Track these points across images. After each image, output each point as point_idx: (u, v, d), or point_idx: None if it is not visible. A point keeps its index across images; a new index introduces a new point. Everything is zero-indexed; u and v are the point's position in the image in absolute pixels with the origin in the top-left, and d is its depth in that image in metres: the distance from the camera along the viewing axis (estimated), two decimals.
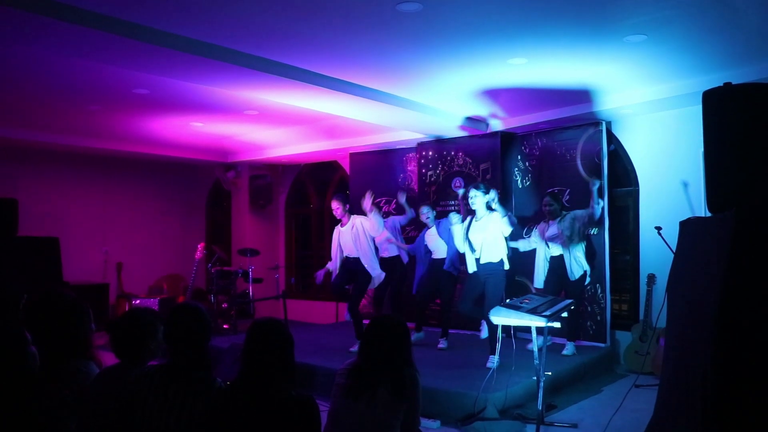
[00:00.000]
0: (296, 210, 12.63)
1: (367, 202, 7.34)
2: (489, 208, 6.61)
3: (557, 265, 7.41)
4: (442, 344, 7.48)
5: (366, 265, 7.43)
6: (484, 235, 6.59)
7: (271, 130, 9.84)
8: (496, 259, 6.59)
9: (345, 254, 7.56)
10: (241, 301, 10.17)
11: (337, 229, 7.72)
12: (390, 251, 8.65)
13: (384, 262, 8.20)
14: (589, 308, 7.89)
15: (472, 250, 6.66)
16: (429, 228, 7.92)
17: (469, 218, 6.79)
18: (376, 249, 7.74)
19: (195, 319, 2.99)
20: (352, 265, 7.49)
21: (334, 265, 7.62)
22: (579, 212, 7.41)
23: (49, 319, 3.27)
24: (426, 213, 7.91)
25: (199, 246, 9.86)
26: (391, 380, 3.19)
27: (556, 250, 7.43)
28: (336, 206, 7.54)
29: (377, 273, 7.47)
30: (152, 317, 3.23)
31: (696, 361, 3.00)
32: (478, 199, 6.58)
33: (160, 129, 9.45)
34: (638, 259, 7.91)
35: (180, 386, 2.86)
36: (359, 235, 7.43)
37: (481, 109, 8.03)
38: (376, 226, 7.41)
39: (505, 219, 6.49)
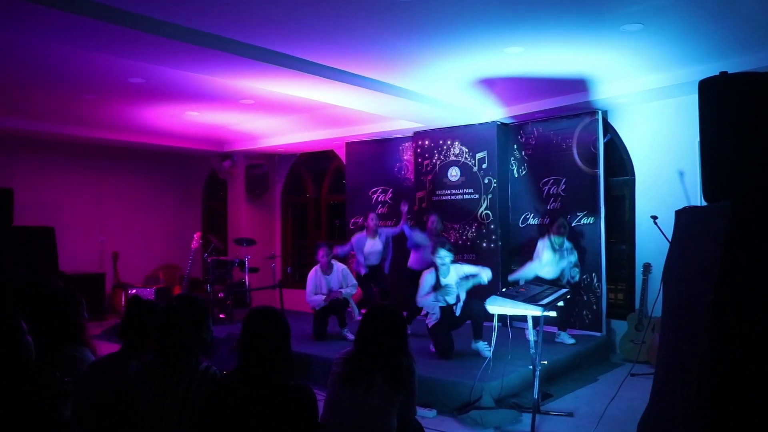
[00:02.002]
0: (292, 199, 12.62)
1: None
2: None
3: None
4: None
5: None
6: (456, 285, 6.71)
7: (267, 120, 9.80)
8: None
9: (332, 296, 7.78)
10: (237, 290, 10.17)
11: (317, 271, 7.86)
12: (370, 261, 8.62)
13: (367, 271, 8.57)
14: (584, 297, 7.91)
15: (441, 300, 6.69)
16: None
17: (433, 272, 6.78)
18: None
19: (189, 308, 2.99)
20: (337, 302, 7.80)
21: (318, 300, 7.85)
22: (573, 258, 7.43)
23: (41, 309, 3.29)
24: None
25: (195, 235, 9.83)
26: (388, 369, 3.20)
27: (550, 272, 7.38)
28: (324, 253, 7.78)
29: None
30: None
31: (691, 350, 3.01)
32: (447, 259, 6.67)
33: (156, 118, 9.40)
34: (634, 248, 7.93)
35: (176, 376, 2.86)
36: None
37: (477, 98, 8.01)
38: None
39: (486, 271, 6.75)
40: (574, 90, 7.53)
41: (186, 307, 2.97)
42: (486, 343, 6.58)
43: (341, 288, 7.78)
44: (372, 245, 8.52)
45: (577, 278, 7.44)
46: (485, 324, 6.72)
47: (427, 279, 6.74)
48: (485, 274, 6.74)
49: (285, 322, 2.90)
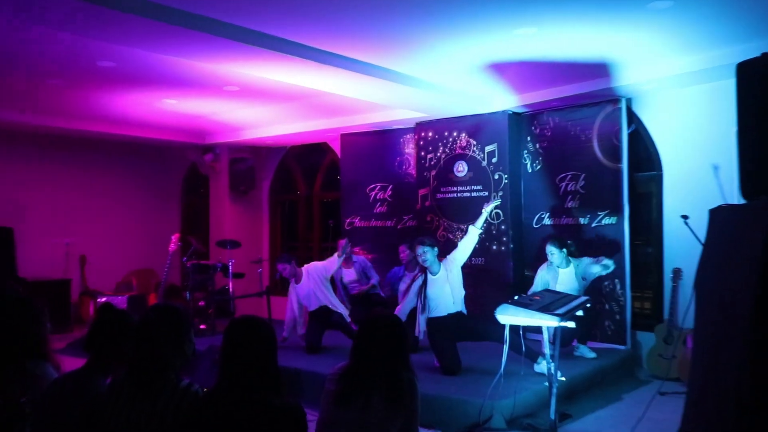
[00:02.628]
0: (282, 197, 12.60)
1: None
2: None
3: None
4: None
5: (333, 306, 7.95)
6: (450, 285, 6.81)
7: (254, 109, 9.78)
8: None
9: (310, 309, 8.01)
10: (220, 298, 10.15)
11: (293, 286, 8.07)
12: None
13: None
14: (607, 306, 7.89)
15: (429, 308, 6.79)
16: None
17: (421, 276, 6.91)
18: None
19: (169, 320, 2.98)
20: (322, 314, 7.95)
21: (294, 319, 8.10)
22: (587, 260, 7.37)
23: None
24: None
25: (173, 237, 9.80)
26: (387, 385, 3.17)
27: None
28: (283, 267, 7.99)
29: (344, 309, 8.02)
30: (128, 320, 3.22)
31: (728, 366, 2.98)
32: (428, 254, 6.79)
33: (128, 106, 9.38)
34: (662, 251, 7.91)
35: (152, 394, 2.85)
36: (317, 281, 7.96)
37: (486, 84, 7.99)
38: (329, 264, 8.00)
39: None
40: (594, 75, 7.50)
41: (165, 318, 2.96)
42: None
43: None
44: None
45: (611, 267, 7.30)
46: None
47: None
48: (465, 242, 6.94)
49: (272, 334, 2.89)
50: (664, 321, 7.54)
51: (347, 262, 7.94)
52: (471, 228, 6.99)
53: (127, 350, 3.13)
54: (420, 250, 6.81)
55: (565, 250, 7.27)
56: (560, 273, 7.28)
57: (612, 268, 7.19)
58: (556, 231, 8.25)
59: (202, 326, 9.61)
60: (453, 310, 6.78)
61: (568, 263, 7.29)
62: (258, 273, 10.84)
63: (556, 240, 7.34)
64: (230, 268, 10.12)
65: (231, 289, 10.27)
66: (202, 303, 9.86)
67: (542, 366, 7.20)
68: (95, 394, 3.00)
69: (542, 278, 7.29)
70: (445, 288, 6.82)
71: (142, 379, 2.88)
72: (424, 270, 6.89)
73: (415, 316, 6.98)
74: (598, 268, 7.18)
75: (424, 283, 6.84)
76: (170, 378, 2.89)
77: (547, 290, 6.46)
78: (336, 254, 7.90)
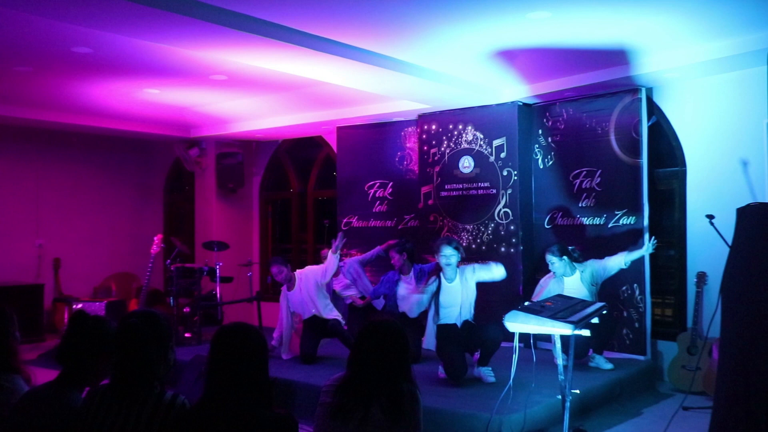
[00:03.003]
0: (273, 195, 12.60)
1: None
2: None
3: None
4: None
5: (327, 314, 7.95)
6: (462, 296, 6.84)
7: (243, 99, 9.78)
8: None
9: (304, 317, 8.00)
10: (206, 304, 10.14)
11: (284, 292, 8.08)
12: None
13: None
14: (625, 313, 7.87)
15: (440, 315, 6.85)
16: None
17: (435, 280, 6.92)
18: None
19: (152, 326, 2.99)
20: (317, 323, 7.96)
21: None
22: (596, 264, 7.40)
23: None
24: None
25: (155, 238, 9.81)
26: (387, 397, 3.18)
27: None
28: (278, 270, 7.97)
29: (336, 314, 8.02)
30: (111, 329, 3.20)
31: (759, 379, 2.96)
32: (454, 258, 6.80)
33: (107, 97, 9.37)
34: (685, 254, 7.91)
35: (135, 407, 2.86)
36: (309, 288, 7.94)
37: (494, 73, 7.97)
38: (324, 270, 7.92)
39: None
40: (612, 63, 7.49)
41: (147, 324, 2.97)
42: (491, 368, 6.77)
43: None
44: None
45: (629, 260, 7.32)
46: (503, 344, 6.70)
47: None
48: (498, 271, 6.90)
49: (263, 342, 2.90)
50: (688, 329, 7.52)
51: (291, 285, 7.87)
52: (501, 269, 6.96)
53: (105, 360, 3.11)
54: (448, 251, 6.74)
55: (566, 257, 7.26)
56: (566, 282, 7.27)
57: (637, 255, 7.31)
58: (569, 232, 8.23)
59: (187, 335, 9.60)
60: (461, 320, 6.79)
61: (573, 270, 7.29)
62: (247, 277, 10.83)
63: (554, 248, 7.33)
64: (217, 271, 10.09)
65: (218, 295, 10.25)
66: (187, 309, 9.85)
67: (597, 360, 7.33)
68: (69, 408, 2.99)
69: (549, 292, 7.19)
70: (458, 298, 6.82)
71: (125, 391, 2.89)
72: (437, 273, 6.89)
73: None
74: (619, 259, 7.23)
75: (438, 289, 6.84)
76: (155, 389, 2.91)
77: (560, 296, 6.44)
78: (330, 252, 7.76)
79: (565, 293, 7.08)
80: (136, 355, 2.91)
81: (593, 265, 7.33)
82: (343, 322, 8.02)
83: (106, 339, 3.13)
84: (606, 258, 7.37)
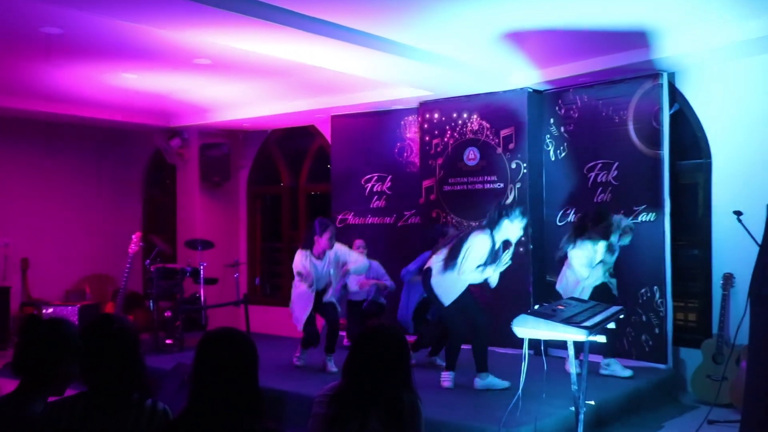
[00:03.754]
0: (262, 189, 12.61)
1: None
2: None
3: (602, 293, 7.34)
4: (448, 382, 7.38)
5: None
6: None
7: (229, 86, 9.77)
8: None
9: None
10: (189, 308, 10.15)
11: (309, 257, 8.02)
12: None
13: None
14: (644, 317, 7.88)
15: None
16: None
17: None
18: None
19: (116, 332, 3.00)
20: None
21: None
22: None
23: None
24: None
25: (133, 237, 9.80)
26: (385, 408, 3.18)
27: (592, 278, 7.37)
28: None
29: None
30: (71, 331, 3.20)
31: None
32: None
33: (80, 82, 9.35)
34: (710, 253, 7.90)
35: (116, 415, 2.87)
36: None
37: (502, 57, 7.98)
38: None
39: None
40: (630, 45, 7.49)
41: (109, 330, 2.98)
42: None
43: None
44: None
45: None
46: (511, 352, 6.72)
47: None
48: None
49: (253, 350, 2.89)
50: (713, 336, 7.52)
51: (321, 253, 7.88)
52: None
53: (66, 365, 3.12)
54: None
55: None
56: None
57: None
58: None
59: (168, 341, 9.61)
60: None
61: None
62: (234, 278, 10.82)
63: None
64: (201, 272, 10.13)
65: (202, 298, 10.27)
66: (168, 314, 9.86)
67: (612, 367, 7.34)
68: (31, 421, 2.98)
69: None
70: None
71: (102, 399, 2.90)
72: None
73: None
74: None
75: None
76: (134, 396, 2.93)
77: (573, 298, 6.45)
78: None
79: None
80: (111, 361, 2.93)
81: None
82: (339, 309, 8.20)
83: (65, 342, 3.13)
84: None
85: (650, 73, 7.89)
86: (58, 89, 9.78)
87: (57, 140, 12.08)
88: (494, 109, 8.89)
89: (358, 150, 10.31)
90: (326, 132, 11.02)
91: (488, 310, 7.28)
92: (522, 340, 5.24)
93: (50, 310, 9.80)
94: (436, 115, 9.40)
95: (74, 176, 12.39)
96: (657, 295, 7.81)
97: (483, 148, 8.95)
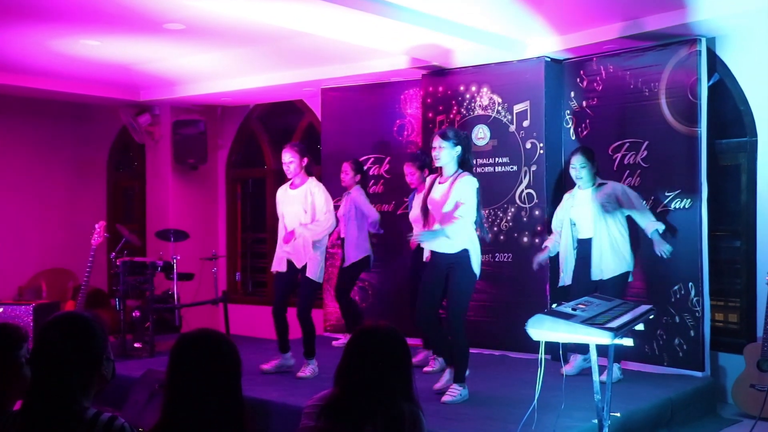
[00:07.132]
0: (243, 172, 12.66)
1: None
2: (461, 164, 6.79)
3: (587, 253, 7.47)
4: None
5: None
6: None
7: (205, 54, 9.77)
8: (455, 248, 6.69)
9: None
10: (160, 307, 10.17)
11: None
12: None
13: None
14: (677, 318, 7.89)
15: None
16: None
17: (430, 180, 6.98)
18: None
19: (73, 332, 2.98)
20: None
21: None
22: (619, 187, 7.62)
23: None
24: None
25: (97, 226, 9.80)
26: (383, 420, 3.20)
27: (585, 229, 7.55)
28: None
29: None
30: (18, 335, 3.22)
31: None
32: (444, 151, 6.69)
33: (32, 50, 9.34)
34: (754, 245, 7.88)
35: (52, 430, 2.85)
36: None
37: (516, 22, 7.97)
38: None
39: None
40: (663, 7, 7.48)
41: (68, 329, 2.96)
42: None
43: None
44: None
45: (611, 275, 7.47)
46: (525, 357, 6.73)
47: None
48: None
49: (235, 354, 2.91)
50: (758, 339, 7.52)
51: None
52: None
53: (12, 375, 3.13)
54: (437, 141, 6.76)
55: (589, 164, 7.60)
56: (578, 195, 7.64)
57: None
58: None
59: (136, 344, 9.62)
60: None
61: (593, 182, 7.62)
62: (212, 273, 10.84)
63: (579, 150, 7.70)
64: (174, 266, 10.12)
65: (176, 295, 10.27)
66: (136, 314, 9.86)
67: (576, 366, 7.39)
68: None
69: (563, 206, 7.81)
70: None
71: (39, 413, 2.88)
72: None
73: None
74: (648, 223, 7.53)
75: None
76: (76, 411, 2.88)
77: (595, 296, 6.47)
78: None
79: (575, 208, 7.47)
80: (52, 370, 2.89)
81: (615, 188, 7.61)
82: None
83: (7, 349, 3.15)
84: (643, 206, 7.54)
85: (686, 38, 7.84)
86: (8, 59, 9.76)
87: (5, 117, 12.02)
88: (507, 82, 8.87)
89: (352, 128, 10.30)
90: (316, 107, 11.03)
91: (500, 309, 7.29)
92: (537, 343, 5.28)
93: (0, 310, 9.81)
94: (440, 89, 9.40)
95: (29, 158, 12.33)
96: (692, 293, 7.79)
97: (494, 126, 8.95)
